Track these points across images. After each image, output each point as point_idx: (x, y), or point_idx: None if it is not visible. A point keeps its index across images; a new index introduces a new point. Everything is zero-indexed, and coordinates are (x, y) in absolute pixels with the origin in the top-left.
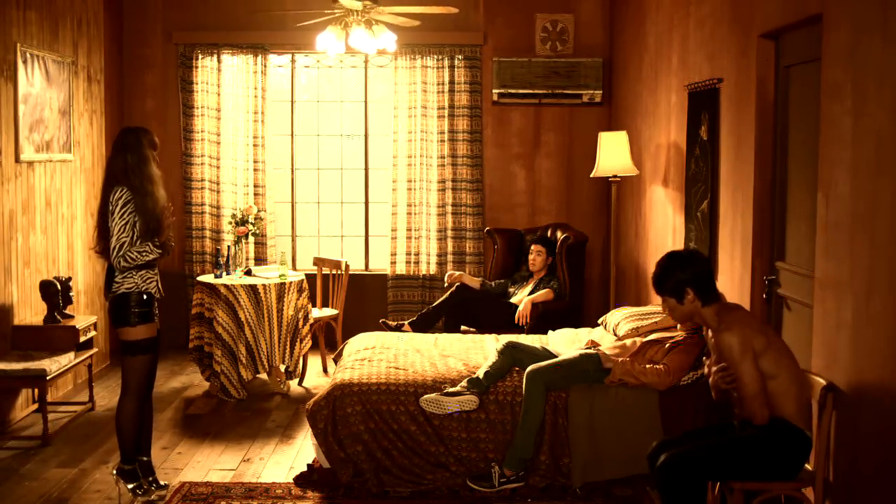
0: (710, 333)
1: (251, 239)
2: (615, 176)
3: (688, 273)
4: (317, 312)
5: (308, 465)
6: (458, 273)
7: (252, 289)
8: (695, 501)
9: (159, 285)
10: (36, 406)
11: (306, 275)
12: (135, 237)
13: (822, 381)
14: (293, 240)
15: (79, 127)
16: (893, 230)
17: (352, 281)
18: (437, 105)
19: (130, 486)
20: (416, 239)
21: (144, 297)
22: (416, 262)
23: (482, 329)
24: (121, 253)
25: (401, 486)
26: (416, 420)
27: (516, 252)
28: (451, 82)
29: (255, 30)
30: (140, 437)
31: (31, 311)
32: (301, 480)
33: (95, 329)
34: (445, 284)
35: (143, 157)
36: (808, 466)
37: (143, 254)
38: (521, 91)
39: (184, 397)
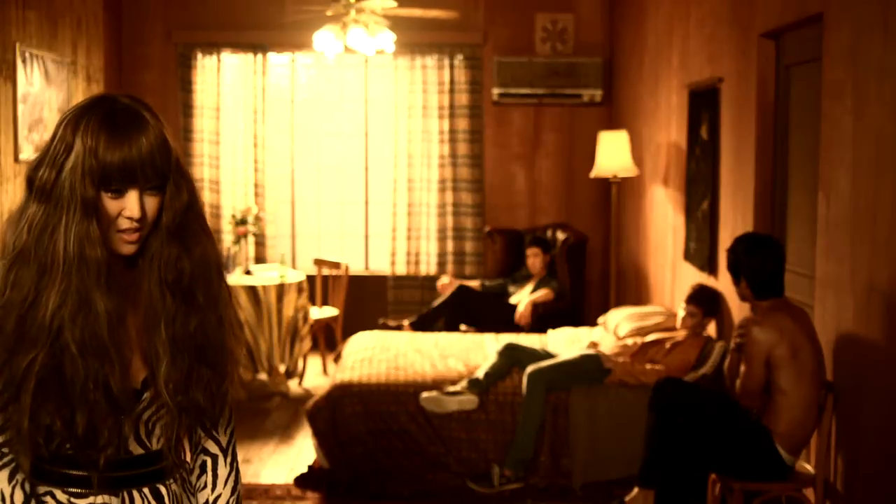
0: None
1: (251, 239)
2: (615, 176)
3: (751, 262)
4: (317, 313)
5: (308, 466)
6: (448, 281)
7: (251, 289)
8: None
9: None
10: None
11: (306, 275)
12: None
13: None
14: (293, 240)
15: None
16: (893, 230)
17: (352, 281)
18: (438, 105)
19: None
20: (416, 239)
21: None
22: (416, 262)
23: (482, 329)
24: None
25: (401, 486)
26: (416, 420)
27: (516, 252)
28: (451, 82)
29: (255, 30)
30: None
31: None
32: (301, 481)
33: None
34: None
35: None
36: (808, 467)
37: None
38: (521, 91)
39: None
